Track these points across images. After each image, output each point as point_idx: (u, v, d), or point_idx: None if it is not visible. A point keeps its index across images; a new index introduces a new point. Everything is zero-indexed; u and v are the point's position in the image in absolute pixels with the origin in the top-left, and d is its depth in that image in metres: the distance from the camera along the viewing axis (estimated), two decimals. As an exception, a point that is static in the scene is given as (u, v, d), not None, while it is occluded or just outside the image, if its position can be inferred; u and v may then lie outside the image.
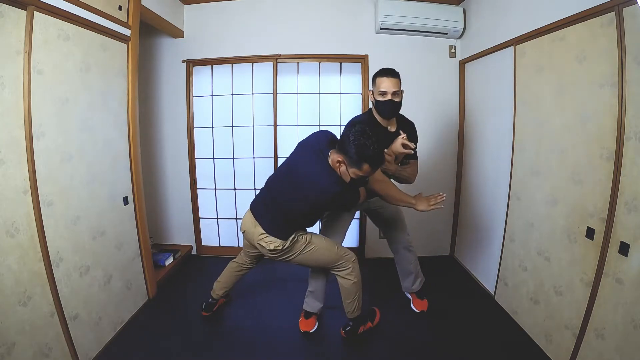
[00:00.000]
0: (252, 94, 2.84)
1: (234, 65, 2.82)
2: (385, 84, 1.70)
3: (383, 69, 1.74)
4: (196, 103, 2.88)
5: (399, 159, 1.79)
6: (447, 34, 2.68)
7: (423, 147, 2.46)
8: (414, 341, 1.90)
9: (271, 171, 1.81)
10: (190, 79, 2.83)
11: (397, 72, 1.73)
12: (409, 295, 2.23)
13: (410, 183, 1.88)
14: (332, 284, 1.93)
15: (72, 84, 1.62)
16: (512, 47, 2.05)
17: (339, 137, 1.51)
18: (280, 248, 1.65)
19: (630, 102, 1.29)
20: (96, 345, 1.74)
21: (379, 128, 1.79)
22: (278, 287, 2.46)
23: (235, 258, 2.06)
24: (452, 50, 2.78)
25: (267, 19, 2.72)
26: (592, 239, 1.47)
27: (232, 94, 2.86)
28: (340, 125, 2.82)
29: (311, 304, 1.99)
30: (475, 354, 1.79)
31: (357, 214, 2.89)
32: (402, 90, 1.76)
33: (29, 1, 1.34)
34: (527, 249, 1.93)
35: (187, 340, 1.90)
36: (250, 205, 1.76)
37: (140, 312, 2.13)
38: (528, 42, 1.90)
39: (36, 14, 1.38)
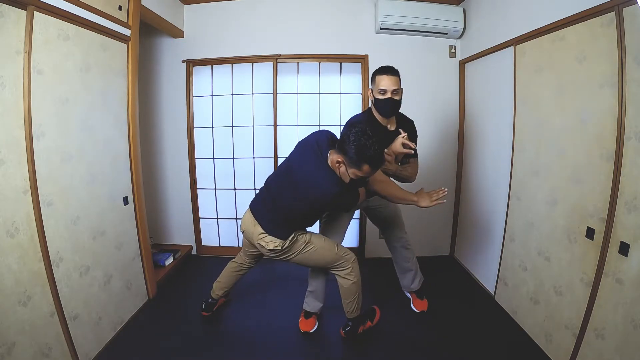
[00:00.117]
0: (252, 94, 2.84)
1: (234, 65, 2.82)
2: (385, 82, 1.68)
3: (382, 66, 1.72)
4: (196, 103, 2.88)
5: (399, 159, 1.79)
6: (447, 34, 2.68)
7: (423, 147, 2.46)
8: (414, 341, 1.90)
9: (271, 171, 1.80)
10: (190, 79, 2.83)
11: (397, 70, 1.72)
12: (408, 295, 2.23)
13: (410, 182, 1.87)
14: (332, 284, 1.93)
15: (72, 84, 1.62)
16: (512, 47, 2.05)
17: (338, 137, 1.51)
18: (279, 248, 1.64)
19: (630, 102, 1.29)
20: (96, 345, 1.74)
21: (378, 127, 1.78)
22: (278, 287, 2.46)
23: (234, 258, 2.06)
24: (452, 50, 2.78)
25: (267, 19, 2.72)
26: (592, 239, 1.47)
27: (232, 94, 2.86)
28: (340, 125, 2.82)
29: (311, 303, 1.99)
30: (475, 354, 1.79)
31: (357, 214, 2.89)
32: (402, 89, 1.74)
33: (29, 1, 1.34)
34: (527, 249, 1.93)
35: (187, 340, 1.90)
36: (250, 205, 1.76)
37: (140, 312, 2.13)
38: (528, 42, 1.90)
39: (36, 14, 1.38)
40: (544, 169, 1.80)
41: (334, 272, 1.80)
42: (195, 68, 2.84)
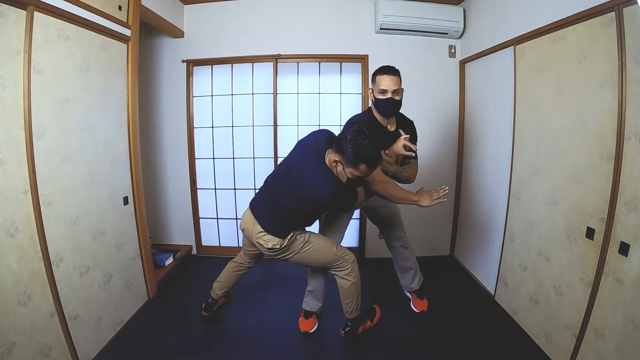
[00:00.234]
0: (252, 94, 2.84)
1: (234, 65, 2.82)
2: (386, 82, 1.67)
3: (383, 66, 1.72)
4: (196, 103, 2.88)
5: (399, 160, 1.79)
6: (447, 34, 2.68)
7: (423, 147, 2.47)
8: (414, 341, 1.90)
9: (271, 171, 1.80)
10: (190, 79, 2.83)
11: (397, 70, 1.71)
12: (408, 295, 2.23)
13: (410, 183, 1.87)
14: (332, 284, 1.93)
15: (72, 84, 1.62)
16: (512, 47, 2.05)
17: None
18: (278, 246, 1.65)
19: (630, 102, 1.29)
20: (96, 345, 1.74)
21: (378, 127, 1.77)
22: (278, 287, 2.46)
23: (234, 258, 2.06)
24: (452, 50, 2.78)
25: (267, 19, 2.72)
26: (592, 239, 1.47)
27: (232, 94, 2.86)
28: (340, 125, 2.82)
29: (311, 303, 1.99)
30: (475, 354, 1.79)
31: (357, 214, 2.89)
32: (403, 89, 1.73)
33: (29, 1, 1.34)
34: (527, 248, 1.93)
35: (187, 340, 1.90)
36: (250, 204, 1.76)
37: (140, 312, 2.13)
38: (528, 42, 1.90)
39: (36, 14, 1.38)
40: (544, 169, 1.80)
41: (333, 272, 1.80)
42: (195, 68, 2.84)
